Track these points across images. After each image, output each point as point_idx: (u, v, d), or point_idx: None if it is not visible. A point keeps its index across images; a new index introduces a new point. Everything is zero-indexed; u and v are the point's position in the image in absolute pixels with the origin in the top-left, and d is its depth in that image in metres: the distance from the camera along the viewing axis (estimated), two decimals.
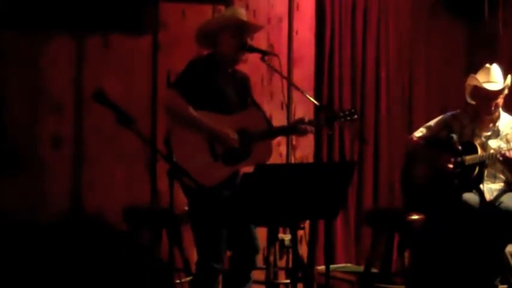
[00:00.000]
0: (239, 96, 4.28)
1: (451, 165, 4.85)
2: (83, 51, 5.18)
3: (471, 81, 4.96)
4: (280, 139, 5.41)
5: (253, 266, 4.24)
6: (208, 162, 4.09)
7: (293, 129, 4.35)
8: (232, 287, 4.21)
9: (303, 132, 4.28)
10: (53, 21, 5.07)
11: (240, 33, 4.23)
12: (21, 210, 4.96)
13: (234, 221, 4.00)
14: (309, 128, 4.24)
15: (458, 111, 5.10)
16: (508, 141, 4.97)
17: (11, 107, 5.06)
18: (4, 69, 5.04)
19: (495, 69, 4.94)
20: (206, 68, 4.20)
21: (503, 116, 5.01)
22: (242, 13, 4.35)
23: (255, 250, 4.19)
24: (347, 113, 4.34)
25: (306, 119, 4.32)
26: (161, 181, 5.13)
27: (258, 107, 4.41)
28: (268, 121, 4.42)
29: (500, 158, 4.78)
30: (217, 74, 4.22)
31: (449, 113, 5.13)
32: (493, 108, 4.91)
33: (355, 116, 4.33)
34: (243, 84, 4.35)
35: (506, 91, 4.94)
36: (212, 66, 4.23)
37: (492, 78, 4.90)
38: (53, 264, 4.86)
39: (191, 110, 4.07)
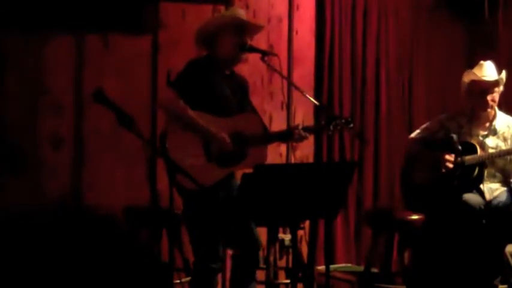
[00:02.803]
0: (237, 98, 4.28)
1: (451, 165, 4.86)
2: (83, 51, 5.18)
3: (467, 77, 4.97)
4: None
5: (257, 264, 4.23)
6: (202, 162, 4.09)
7: (289, 135, 4.34)
8: (237, 286, 4.20)
9: (298, 139, 4.27)
10: (53, 21, 5.07)
11: (240, 34, 4.24)
12: (21, 210, 4.96)
13: (233, 220, 4.00)
14: (303, 133, 4.23)
15: (454, 112, 5.12)
16: (505, 139, 4.99)
17: (11, 107, 5.06)
18: (4, 69, 5.03)
19: (489, 65, 4.97)
20: (205, 69, 4.21)
21: (500, 115, 5.02)
22: (242, 14, 4.35)
23: (257, 248, 4.18)
24: (343, 121, 4.33)
25: (301, 126, 4.31)
26: (161, 181, 5.13)
27: (254, 111, 4.42)
28: (265, 126, 4.42)
29: None
30: (215, 75, 4.22)
31: (445, 114, 5.15)
32: (489, 104, 4.92)
33: (351, 125, 4.32)
34: (241, 86, 4.35)
35: (501, 87, 4.96)
36: (210, 67, 4.23)
37: (486, 72, 4.93)
38: (53, 264, 4.86)
39: (189, 111, 4.08)
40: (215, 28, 4.26)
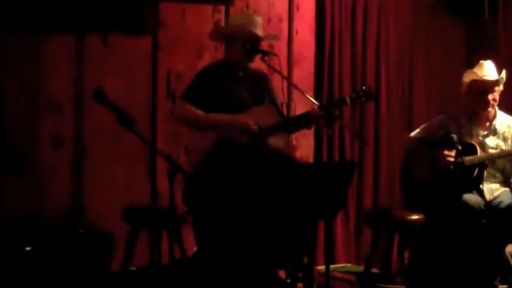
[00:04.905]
0: (253, 98, 4.31)
1: (451, 159, 4.85)
2: (82, 51, 5.18)
3: (467, 76, 4.98)
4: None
5: None
6: None
7: (307, 115, 4.32)
8: None
9: (317, 117, 4.24)
10: (53, 21, 5.07)
11: (250, 41, 4.29)
12: (21, 210, 4.96)
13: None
14: (318, 111, 4.23)
15: (454, 111, 5.13)
16: (505, 139, 4.99)
17: (11, 107, 5.06)
18: (4, 69, 5.03)
19: (489, 64, 4.98)
20: (216, 75, 4.27)
21: (500, 114, 5.03)
22: (259, 22, 4.38)
23: None
24: (361, 93, 4.30)
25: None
26: (161, 181, 5.13)
27: (274, 103, 4.43)
28: (281, 114, 4.42)
29: None
30: (228, 78, 4.28)
31: (445, 114, 5.15)
32: (490, 103, 4.92)
33: (372, 98, 4.30)
34: (258, 84, 4.37)
35: (501, 87, 4.97)
36: (223, 71, 4.29)
37: (486, 72, 4.94)
38: (53, 264, 4.86)
39: (201, 113, 4.13)
40: (229, 33, 4.33)
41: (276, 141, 4.23)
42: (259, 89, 4.37)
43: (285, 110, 5.50)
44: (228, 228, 3.97)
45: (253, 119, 4.22)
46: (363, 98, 4.31)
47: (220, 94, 4.25)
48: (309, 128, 4.51)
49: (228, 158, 4.03)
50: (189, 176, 4.00)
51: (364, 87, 4.43)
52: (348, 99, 4.29)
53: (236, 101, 4.26)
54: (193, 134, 4.18)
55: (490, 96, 4.93)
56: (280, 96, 4.96)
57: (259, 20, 4.43)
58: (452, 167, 4.85)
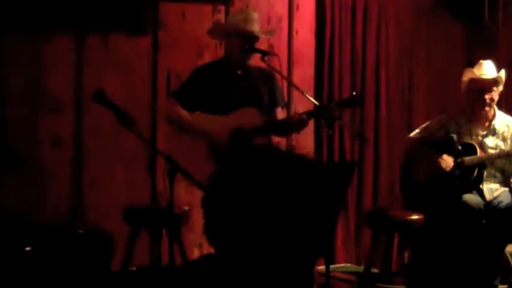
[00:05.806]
0: (251, 97, 4.31)
1: (450, 165, 4.86)
2: (82, 51, 5.19)
3: (466, 75, 4.99)
4: (280, 139, 5.40)
5: None
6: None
7: (287, 121, 4.34)
8: None
9: (298, 124, 4.25)
10: (53, 21, 5.07)
11: (246, 38, 4.29)
12: (21, 210, 4.96)
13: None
14: (303, 117, 4.22)
15: (454, 111, 5.13)
16: (504, 139, 5.00)
17: (11, 107, 5.06)
18: (4, 69, 5.03)
19: (488, 64, 4.99)
20: (211, 73, 4.27)
21: (499, 114, 5.04)
22: (254, 18, 4.38)
23: None
24: (348, 99, 4.28)
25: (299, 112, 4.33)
26: (161, 181, 5.13)
27: (274, 104, 4.43)
28: (267, 118, 4.41)
29: None
30: (224, 77, 4.28)
31: (444, 114, 5.16)
32: (487, 102, 4.93)
33: (359, 101, 4.28)
34: (259, 83, 4.37)
35: (501, 87, 4.97)
36: (220, 70, 4.29)
37: (485, 71, 4.95)
38: (53, 264, 4.86)
39: (185, 115, 4.14)
40: (225, 31, 4.33)
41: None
42: (259, 89, 4.36)
43: (284, 111, 5.54)
44: (250, 231, 3.97)
45: (238, 120, 4.23)
46: (351, 104, 4.29)
47: (212, 93, 4.25)
48: (297, 132, 4.52)
49: (247, 159, 4.02)
50: (212, 178, 4.00)
51: (354, 93, 4.41)
52: (333, 106, 4.24)
53: (227, 101, 4.26)
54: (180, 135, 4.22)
55: (487, 96, 4.93)
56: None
57: (255, 16, 4.42)
58: (449, 171, 4.86)
